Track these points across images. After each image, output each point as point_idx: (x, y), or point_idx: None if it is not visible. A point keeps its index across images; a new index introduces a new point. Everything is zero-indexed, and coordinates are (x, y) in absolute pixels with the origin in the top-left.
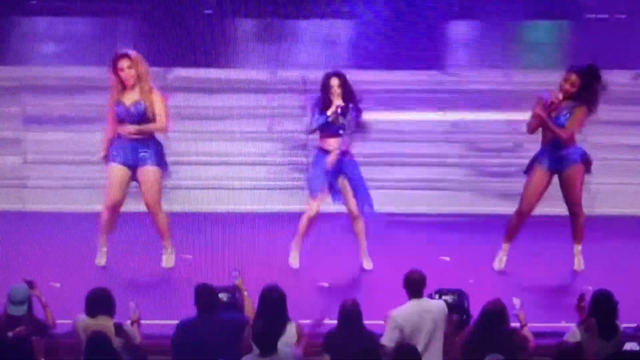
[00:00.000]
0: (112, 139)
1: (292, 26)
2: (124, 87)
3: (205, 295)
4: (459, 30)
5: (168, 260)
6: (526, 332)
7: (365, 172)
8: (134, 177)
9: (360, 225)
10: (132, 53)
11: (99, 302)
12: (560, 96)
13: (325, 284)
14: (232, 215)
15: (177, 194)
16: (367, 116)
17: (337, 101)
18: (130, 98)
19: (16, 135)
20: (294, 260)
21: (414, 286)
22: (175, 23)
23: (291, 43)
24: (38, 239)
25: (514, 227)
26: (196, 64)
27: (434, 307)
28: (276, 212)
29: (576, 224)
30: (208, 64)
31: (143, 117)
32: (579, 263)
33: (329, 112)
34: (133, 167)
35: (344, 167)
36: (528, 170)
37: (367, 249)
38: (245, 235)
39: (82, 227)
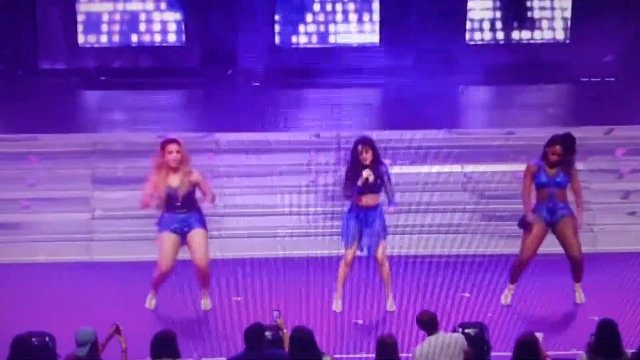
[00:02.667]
0: (162, 213)
1: (328, 95)
2: (168, 167)
3: (255, 333)
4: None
5: (207, 304)
6: None
7: (393, 219)
8: (183, 242)
9: (386, 271)
10: (179, 139)
11: (163, 344)
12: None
13: (360, 321)
14: (278, 260)
15: (232, 242)
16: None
17: (365, 173)
18: (175, 181)
19: (86, 194)
20: (337, 307)
21: (427, 325)
22: (229, 95)
23: (327, 109)
24: (104, 286)
25: (517, 272)
26: (247, 128)
27: (451, 340)
28: (317, 257)
29: (577, 268)
30: (257, 129)
31: (187, 193)
32: (580, 297)
33: (359, 183)
34: (183, 234)
35: (371, 218)
36: (524, 224)
37: (392, 292)
38: (290, 277)
39: (143, 275)
